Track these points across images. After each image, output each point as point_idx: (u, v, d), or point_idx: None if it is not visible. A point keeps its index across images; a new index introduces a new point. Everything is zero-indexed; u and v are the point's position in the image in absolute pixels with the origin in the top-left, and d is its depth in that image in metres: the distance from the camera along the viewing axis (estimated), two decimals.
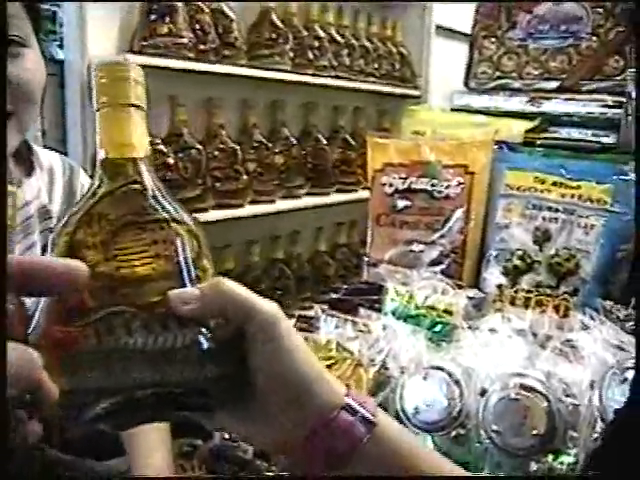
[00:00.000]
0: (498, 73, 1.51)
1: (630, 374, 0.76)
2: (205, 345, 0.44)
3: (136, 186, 0.46)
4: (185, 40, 1.91)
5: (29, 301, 0.41)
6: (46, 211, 1.02)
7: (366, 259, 1.28)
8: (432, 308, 1.01)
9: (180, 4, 1.92)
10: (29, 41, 0.89)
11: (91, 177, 0.52)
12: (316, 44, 2.42)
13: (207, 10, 2.03)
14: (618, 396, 0.76)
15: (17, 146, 0.96)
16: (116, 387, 0.41)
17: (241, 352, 0.45)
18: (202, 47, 1.98)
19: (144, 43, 1.87)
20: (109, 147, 0.47)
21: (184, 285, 0.45)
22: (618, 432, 0.51)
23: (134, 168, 0.47)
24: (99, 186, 0.46)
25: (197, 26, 1.98)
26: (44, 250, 0.99)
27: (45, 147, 1.17)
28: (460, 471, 0.51)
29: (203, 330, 0.44)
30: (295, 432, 0.47)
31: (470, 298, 1.04)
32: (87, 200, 0.46)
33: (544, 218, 1.12)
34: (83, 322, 0.42)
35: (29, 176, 1.01)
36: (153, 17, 1.88)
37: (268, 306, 0.46)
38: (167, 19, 1.88)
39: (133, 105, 0.47)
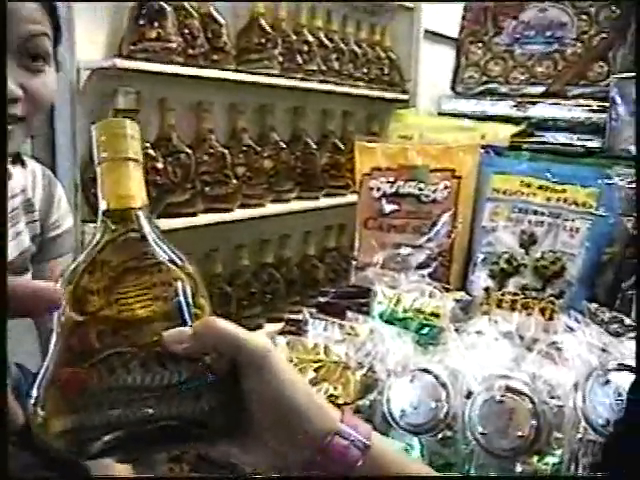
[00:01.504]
0: (485, 78, 1.53)
1: (613, 376, 0.77)
2: (200, 380, 0.47)
3: (135, 234, 0.50)
4: (174, 45, 1.91)
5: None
6: (31, 204, 1.08)
7: (354, 263, 1.29)
8: (419, 311, 1.02)
9: (169, 9, 1.92)
10: (51, 58, 0.93)
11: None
12: (305, 49, 2.43)
13: (196, 15, 2.04)
14: (601, 397, 0.77)
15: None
16: (118, 423, 0.46)
17: (235, 384, 0.48)
18: (191, 52, 1.98)
19: (133, 47, 1.87)
20: (110, 198, 0.50)
21: (184, 324, 0.48)
22: (619, 442, 0.52)
23: (134, 217, 0.51)
24: (102, 236, 0.50)
25: (186, 31, 1.98)
26: (32, 240, 1.07)
27: (34, 149, 1.21)
28: None
29: (198, 366, 0.47)
30: (291, 459, 0.49)
31: (457, 301, 1.05)
32: (92, 249, 0.49)
33: (530, 221, 1.13)
34: (88, 363, 0.46)
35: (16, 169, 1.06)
36: (142, 21, 1.88)
37: (259, 340, 0.49)
38: (156, 23, 1.88)
39: (131, 159, 0.51)
